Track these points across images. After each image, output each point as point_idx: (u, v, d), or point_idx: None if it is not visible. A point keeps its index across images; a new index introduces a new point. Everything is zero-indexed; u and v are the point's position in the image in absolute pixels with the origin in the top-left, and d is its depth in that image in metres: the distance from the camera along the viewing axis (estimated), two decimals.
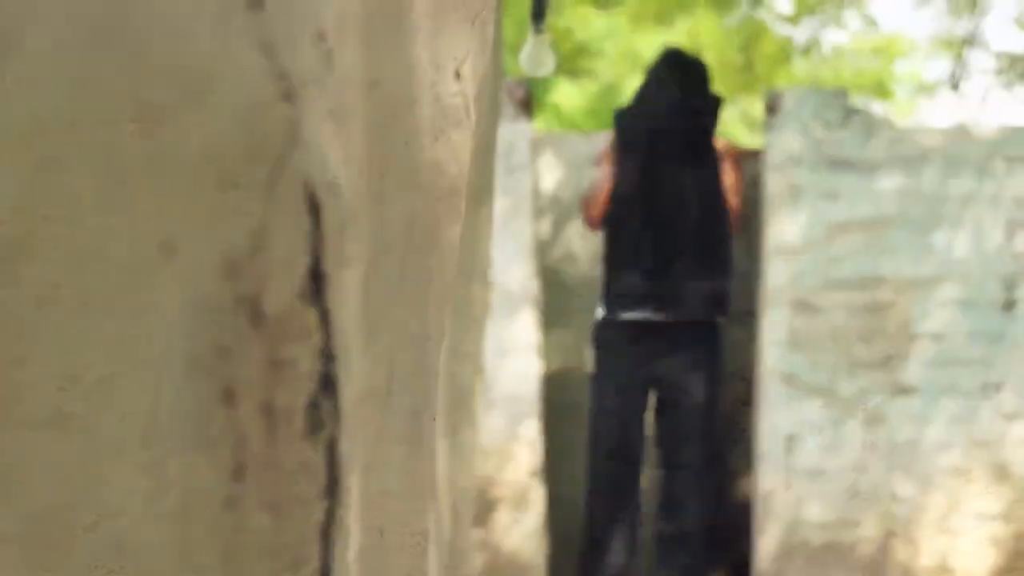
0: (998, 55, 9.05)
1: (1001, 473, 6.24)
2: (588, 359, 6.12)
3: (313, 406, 0.79)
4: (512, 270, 6.11)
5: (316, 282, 0.79)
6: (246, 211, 0.75)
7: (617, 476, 5.86)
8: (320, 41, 0.80)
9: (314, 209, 0.79)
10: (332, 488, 0.81)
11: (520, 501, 6.20)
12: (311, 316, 0.79)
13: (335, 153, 0.81)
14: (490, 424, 6.12)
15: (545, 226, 6.77)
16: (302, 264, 0.78)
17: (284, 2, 0.77)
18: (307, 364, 0.79)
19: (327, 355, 0.81)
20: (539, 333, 6.21)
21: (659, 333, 5.75)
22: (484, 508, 6.13)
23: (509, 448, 6.19)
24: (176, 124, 0.72)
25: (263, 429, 0.76)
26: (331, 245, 0.81)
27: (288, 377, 0.78)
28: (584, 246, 6.43)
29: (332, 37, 0.82)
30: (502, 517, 6.20)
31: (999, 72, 9.13)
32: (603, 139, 7.05)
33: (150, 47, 0.70)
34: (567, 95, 17.26)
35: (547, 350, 6.59)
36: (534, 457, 6.21)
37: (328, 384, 0.80)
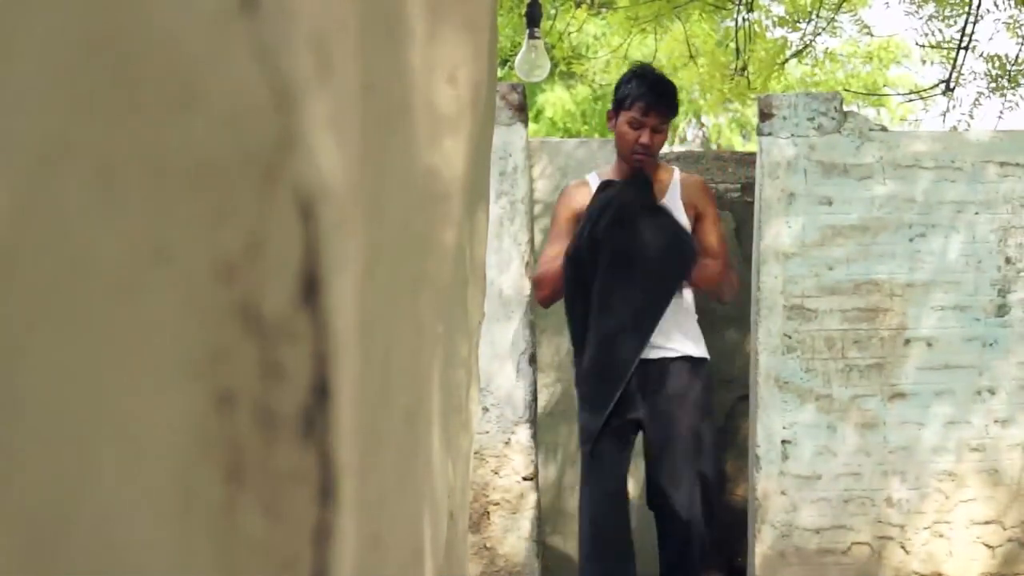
0: (991, 59, 9.06)
1: (994, 478, 6.25)
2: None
3: (308, 410, 0.79)
4: (507, 274, 6.12)
5: (311, 286, 0.79)
6: (240, 216, 0.75)
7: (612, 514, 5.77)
8: (316, 45, 0.80)
9: (309, 214, 0.79)
10: (327, 493, 0.81)
11: (514, 506, 6.20)
12: (306, 320, 0.79)
13: (330, 158, 0.81)
14: (484, 429, 6.13)
15: (540, 231, 6.78)
16: (297, 269, 0.78)
17: (280, 7, 0.77)
18: (302, 368, 0.79)
19: (322, 359, 0.81)
20: (534, 338, 6.21)
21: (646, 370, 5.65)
22: (479, 513, 6.13)
23: (503, 453, 6.19)
24: (168, 130, 0.72)
25: (258, 433, 0.76)
26: (326, 250, 0.81)
27: (283, 381, 0.78)
28: None
29: (328, 42, 0.82)
30: (497, 522, 6.20)
31: (992, 77, 9.14)
32: (597, 144, 7.05)
33: (142, 52, 0.70)
34: (561, 99, 17.29)
35: (541, 355, 6.60)
36: (528, 462, 6.21)
37: (323, 389, 0.80)
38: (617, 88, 5.85)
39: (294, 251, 0.78)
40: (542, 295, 5.84)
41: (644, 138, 5.62)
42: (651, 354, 5.59)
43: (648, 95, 5.62)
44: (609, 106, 5.86)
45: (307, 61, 0.79)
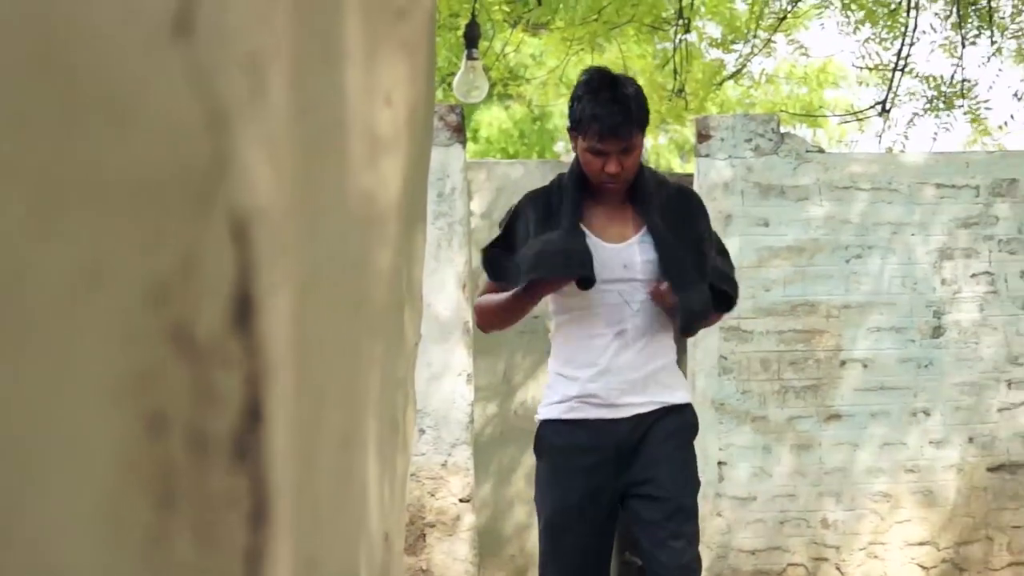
0: (927, 80, 9.13)
1: (929, 499, 6.28)
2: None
3: (240, 434, 0.79)
4: (444, 295, 6.11)
5: (245, 309, 0.79)
6: (174, 237, 0.75)
7: None
8: (251, 67, 0.80)
9: (243, 235, 0.78)
10: (260, 517, 0.81)
11: (451, 527, 6.18)
12: (239, 343, 0.79)
13: (264, 180, 0.81)
14: (421, 450, 6.11)
15: (478, 251, 6.78)
16: (230, 291, 0.78)
17: (215, 29, 0.76)
18: (235, 391, 0.78)
19: (255, 382, 0.80)
20: (471, 359, 6.21)
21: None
22: (415, 535, 6.11)
23: (440, 474, 6.18)
24: (103, 150, 0.71)
25: (189, 457, 0.75)
26: (260, 271, 0.80)
27: (215, 404, 0.77)
28: None
29: (263, 64, 0.82)
30: (433, 544, 6.18)
31: (928, 99, 9.22)
32: (535, 164, 7.05)
33: (77, 73, 0.70)
34: (497, 119, 17.30)
35: (478, 376, 6.59)
36: (465, 483, 6.20)
37: (256, 412, 0.80)
38: (570, 103, 4.63)
39: (228, 273, 0.78)
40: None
41: (611, 167, 4.44)
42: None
43: (603, 119, 4.42)
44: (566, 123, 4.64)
45: (241, 83, 0.79)
